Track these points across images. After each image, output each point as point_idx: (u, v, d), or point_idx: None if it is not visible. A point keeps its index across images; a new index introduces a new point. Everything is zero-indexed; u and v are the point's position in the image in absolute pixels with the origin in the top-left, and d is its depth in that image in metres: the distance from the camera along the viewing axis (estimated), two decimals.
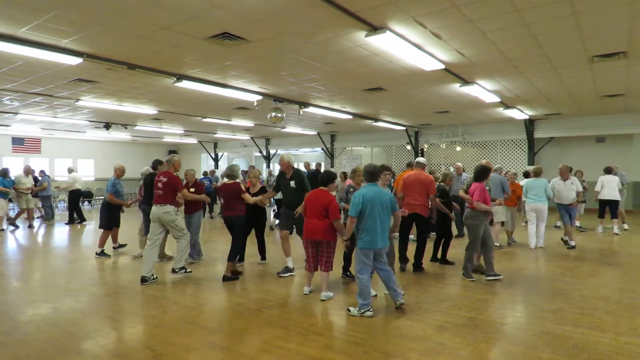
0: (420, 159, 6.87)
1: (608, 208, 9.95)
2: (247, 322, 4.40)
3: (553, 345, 3.73)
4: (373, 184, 4.66)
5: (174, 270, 6.17)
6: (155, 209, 6.01)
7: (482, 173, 6.00)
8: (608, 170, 10.10)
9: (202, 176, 14.37)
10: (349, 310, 4.59)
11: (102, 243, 7.68)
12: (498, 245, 8.07)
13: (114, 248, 8.12)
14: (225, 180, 6.34)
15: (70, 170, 13.29)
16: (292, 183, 6.24)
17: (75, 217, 12.71)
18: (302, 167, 12.20)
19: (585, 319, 4.39)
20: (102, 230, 7.82)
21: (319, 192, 5.18)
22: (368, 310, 4.48)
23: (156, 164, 7.29)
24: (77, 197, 12.84)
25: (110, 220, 7.81)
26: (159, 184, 6.03)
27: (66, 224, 12.43)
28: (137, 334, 4.13)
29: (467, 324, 4.30)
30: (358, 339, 3.92)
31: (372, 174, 4.67)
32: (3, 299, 5.18)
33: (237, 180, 6.21)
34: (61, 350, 3.70)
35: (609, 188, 9.90)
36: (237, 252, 6.11)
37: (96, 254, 7.61)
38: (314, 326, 4.28)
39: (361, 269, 4.55)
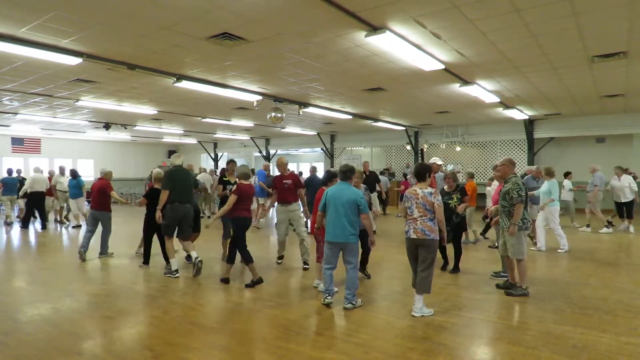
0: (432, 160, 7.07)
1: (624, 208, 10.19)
2: (247, 322, 4.39)
3: (553, 345, 3.73)
4: (343, 182, 4.90)
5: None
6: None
7: None
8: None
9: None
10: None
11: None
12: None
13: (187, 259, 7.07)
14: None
15: (35, 170, 11.99)
16: None
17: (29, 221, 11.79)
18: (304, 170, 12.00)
19: (585, 319, 4.39)
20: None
21: (321, 192, 5.44)
22: (326, 297, 4.85)
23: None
24: (36, 200, 11.62)
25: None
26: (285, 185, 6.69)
27: (21, 227, 11.46)
28: (137, 334, 4.12)
29: (467, 324, 4.30)
30: (358, 339, 3.91)
31: (344, 172, 4.95)
32: (3, 299, 5.18)
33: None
34: (61, 350, 3.69)
35: (621, 189, 10.11)
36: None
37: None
38: (314, 326, 4.28)
39: (325, 259, 4.91)
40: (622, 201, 10.05)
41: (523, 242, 5.15)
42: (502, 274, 5.90)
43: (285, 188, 6.68)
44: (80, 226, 11.64)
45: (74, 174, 11.44)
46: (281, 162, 6.84)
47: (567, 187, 10.53)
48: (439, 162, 8.00)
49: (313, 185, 8.34)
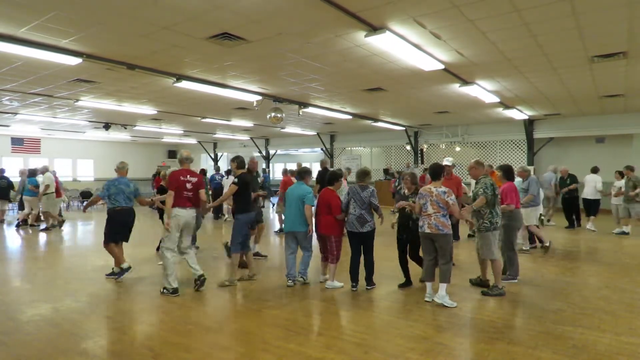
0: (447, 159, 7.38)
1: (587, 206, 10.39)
2: (247, 322, 4.39)
3: (553, 345, 3.73)
4: (299, 181, 5.74)
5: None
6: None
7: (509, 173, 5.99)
8: (594, 170, 10.46)
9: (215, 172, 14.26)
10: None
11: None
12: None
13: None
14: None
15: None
16: None
17: None
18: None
19: (585, 319, 4.39)
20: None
21: (325, 191, 5.61)
22: (289, 280, 5.60)
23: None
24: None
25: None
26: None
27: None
28: (136, 334, 4.12)
29: (467, 324, 4.30)
30: (358, 339, 3.92)
31: (299, 173, 5.82)
32: (3, 299, 5.18)
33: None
34: (61, 350, 3.69)
35: (588, 187, 10.31)
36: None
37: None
38: (314, 326, 4.29)
39: (285, 248, 5.75)
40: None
41: (492, 242, 5.21)
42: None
43: (189, 189, 5.39)
44: (34, 225, 11.35)
45: (33, 172, 11.53)
46: (182, 154, 5.55)
47: (617, 186, 9.83)
48: (446, 163, 7.96)
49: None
